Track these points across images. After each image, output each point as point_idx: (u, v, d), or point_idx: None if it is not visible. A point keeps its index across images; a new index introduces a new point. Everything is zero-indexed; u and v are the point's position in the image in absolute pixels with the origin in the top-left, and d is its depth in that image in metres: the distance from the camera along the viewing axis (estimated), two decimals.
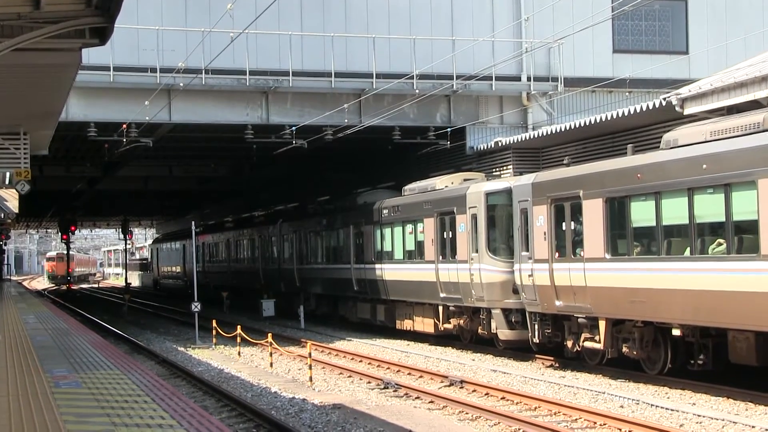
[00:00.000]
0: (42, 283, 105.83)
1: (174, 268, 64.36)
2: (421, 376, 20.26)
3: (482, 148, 28.77)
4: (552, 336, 20.62)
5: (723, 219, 15.48)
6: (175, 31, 26.54)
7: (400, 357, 24.04)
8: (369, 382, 19.58)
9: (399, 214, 27.71)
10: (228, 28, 23.83)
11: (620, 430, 13.93)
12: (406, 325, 27.60)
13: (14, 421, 10.59)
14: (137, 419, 10.77)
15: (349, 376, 20.72)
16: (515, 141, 27.15)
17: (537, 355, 21.69)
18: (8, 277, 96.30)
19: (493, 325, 22.79)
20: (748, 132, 15.39)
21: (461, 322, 24.54)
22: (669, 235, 16.92)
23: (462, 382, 18.59)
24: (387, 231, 28.64)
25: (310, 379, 19.87)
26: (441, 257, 24.99)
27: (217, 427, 10.78)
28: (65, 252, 76.46)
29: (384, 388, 18.63)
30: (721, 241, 15.65)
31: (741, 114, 16.55)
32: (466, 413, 15.70)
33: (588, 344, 19.17)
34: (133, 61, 26.43)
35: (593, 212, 18.61)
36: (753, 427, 13.75)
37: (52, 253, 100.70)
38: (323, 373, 21.33)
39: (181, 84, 26.25)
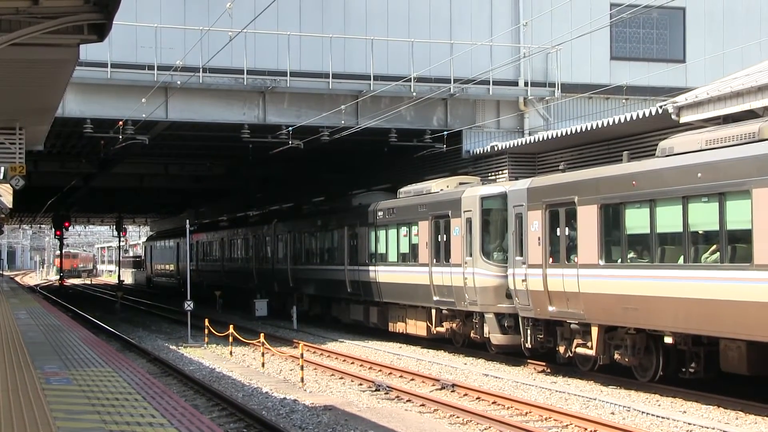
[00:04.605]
0: (35, 279, 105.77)
1: (167, 266, 64.27)
2: (412, 379, 20.25)
3: (478, 152, 28.79)
4: (544, 341, 20.64)
5: (717, 228, 15.50)
6: (174, 29, 26.52)
7: (392, 359, 24.04)
8: (360, 384, 19.58)
9: (394, 216, 27.71)
10: (227, 27, 23.84)
11: None
12: (399, 327, 27.60)
13: (4, 417, 10.57)
14: (128, 417, 10.76)
15: (341, 378, 20.71)
16: (511, 146, 27.18)
17: (529, 360, 21.69)
18: (0, 272, 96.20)
19: (486, 329, 22.80)
20: (743, 141, 15.42)
21: (454, 325, 24.54)
22: (663, 242, 16.94)
23: (453, 385, 18.59)
24: (381, 233, 28.64)
25: (302, 380, 19.86)
26: (435, 260, 24.99)
27: (207, 426, 10.76)
28: (72, 250, 76.63)
29: (375, 390, 18.63)
30: (715, 251, 15.68)
31: (737, 123, 16.59)
32: (457, 417, 15.70)
33: (580, 350, 19.19)
34: (130, 58, 26.40)
35: (588, 218, 18.63)
36: None
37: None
38: (315, 374, 21.32)
39: (179, 82, 26.23)
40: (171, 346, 27.78)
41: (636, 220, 17.51)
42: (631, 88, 29.40)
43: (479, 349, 23.92)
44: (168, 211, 72.23)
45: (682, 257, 16.36)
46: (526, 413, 15.98)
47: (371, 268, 28.92)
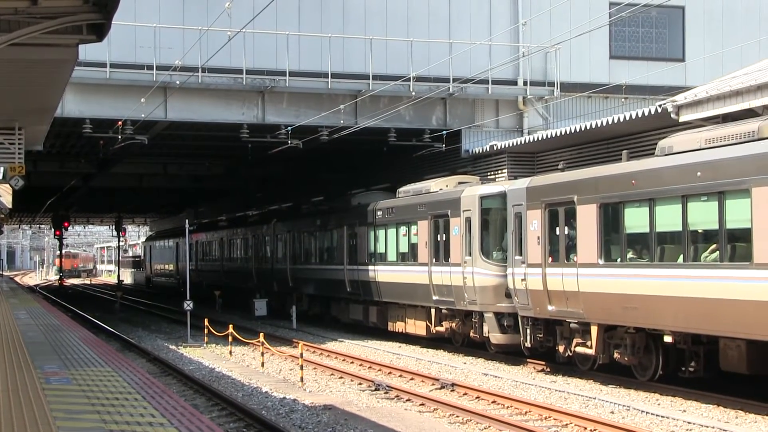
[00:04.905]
0: (34, 279, 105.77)
1: (167, 266, 64.28)
2: (412, 379, 20.25)
3: (477, 152, 28.78)
4: (544, 341, 20.64)
5: (716, 227, 15.50)
6: (173, 29, 26.52)
7: (392, 359, 24.04)
8: (360, 384, 19.58)
9: (393, 215, 27.71)
10: (226, 27, 23.85)
11: None
12: (398, 327, 27.60)
13: (4, 417, 10.57)
14: (127, 417, 10.76)
15: (341, 377, 20.72)
16: (510, 145, 27.18)
17: (528, 360, 21.69)
18: (0, 272, 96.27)
19: (485, 328, 22.80)
20: (742, 140, 15.43)
21: (453, 325, 24.54)
22: (662, 241, 16.94)
23: (453, 385, 18.59)
24: (381, 232, 28.64)
25: (302, 379, 19.86)
26: (434, 260, 24.99)
27: (207, 426, 10.77)
28: (73, 250, 75.64)
29: (375, 389, 18.63)
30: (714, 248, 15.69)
31: (736, 122, 16.60)
32: (457, 416, 15.70)
33: (580, 349, 19.19)
34: (129, 58, 26.41)
35: (587, 218, 18.63)
36: None
37: (63, 251, 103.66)
38: (314, 374, 21.32)
39: (178, 82, 26.23)
40: (170, 346, 27.78)
41: (635, 220, 17.51)
42: (630, 87, 29.40)
43: (479, 348, 23.92)
44: (167, 210, 72.23)
45: (681, 256, 16.36)
46: (526, 412, 15.98)
47: (370, 267, 28.92)
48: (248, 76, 27.00)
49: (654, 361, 17.66)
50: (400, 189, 28.29)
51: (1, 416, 10.63)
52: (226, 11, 22.03)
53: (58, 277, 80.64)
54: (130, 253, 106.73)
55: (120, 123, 27.46)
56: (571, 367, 20.07)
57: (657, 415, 15.24)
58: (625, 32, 31.30)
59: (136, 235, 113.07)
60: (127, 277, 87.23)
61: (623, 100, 29.59)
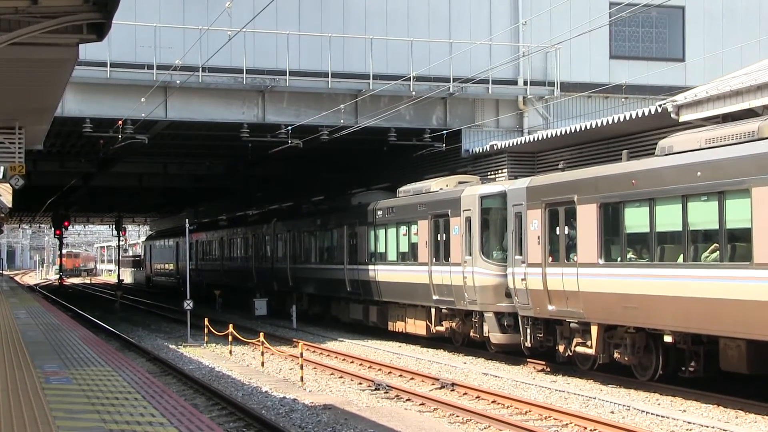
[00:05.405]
0: (34, 278, 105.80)
1: (167, 266, 64.27)
2: (412, 378, 20.26)
3: (478, 151, 28.79)
4: (544, 340, 20.64)
5: (716, 226, 15.51)
6: (173, 29, 26.52)
7: (392, 358, 24.04)
8: (360, 383, 19.58)
9: (393, 215, 27.71)
10: (226, 27, 23.87)
11: None
12: (398, 326, 27.60)
13: (4, 417, 10.57)
14: (127, 416, 10.76)
15: (341, 377, 20.72)
16: (511, 145, 27.18)
17: (529, 359, 21.70)
18: (0, 271, 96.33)
19: (486, 328, 22.80)
20: (742, 140, 15.43)
21: (453, 324, 24.55)
22: (662, 241, 16.95)
23: (453, 384, 18.60)
24: (381, 232, 28.64)
25: (302, 379, 19.87)
26: (434, 259, 24.99)
27: (207, 425, 10.77)
28: (74, 250, 75.29)
29: (375, 389, 18.63)
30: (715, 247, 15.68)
31: (736, 122, 16.60)
32: (457, 416, 15.70)
33: (580, 349, 19.20)
34: (130, 57, 26.41)
35: (587, 217, 18.64)
36: None
37: (64, 250, 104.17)
38: (314, 374, 21.33)
39: (178, 81, 26.23)
40: (170, 346, 27.78)
41: (635, 219, 17.51)
42: (630, 87, 29.41)
43: (479, 348, 23.92)
44: (167, 210, 72.23)
45: (681, 256, 16.36)
46: (526, 412, 15.99)
47: (371, 267, 28.92)
48: (248, 75, 27.00)
49: (654, 360, 17.67)
50: (401, 189, 28.29)
51: (1, 416, 10.63)
52: (226, 11, 22.05)
53: (58, 276, 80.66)
54: (130, 253, 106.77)
55: (120, 122, 27.46)
56: (571, 366, 20.07)
57: (657, 415, 15.24)
58: (625, 32, 31.31)
59: (136, 234, 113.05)
60: (127, 276, 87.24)
61: (623, 100, 29.60)
